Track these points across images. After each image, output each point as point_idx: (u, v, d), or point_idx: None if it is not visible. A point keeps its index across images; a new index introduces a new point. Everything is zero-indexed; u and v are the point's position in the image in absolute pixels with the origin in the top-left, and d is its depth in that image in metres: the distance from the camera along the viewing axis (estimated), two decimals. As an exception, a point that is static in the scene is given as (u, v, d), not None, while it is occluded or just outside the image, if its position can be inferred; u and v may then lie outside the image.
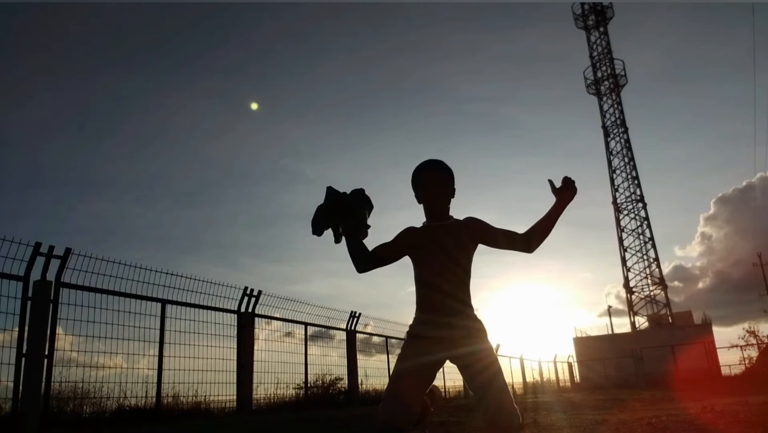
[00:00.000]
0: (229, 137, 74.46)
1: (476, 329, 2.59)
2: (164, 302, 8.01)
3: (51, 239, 6.77)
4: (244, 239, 79.56)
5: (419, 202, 2.67)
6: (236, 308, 9.40)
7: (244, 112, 73.15)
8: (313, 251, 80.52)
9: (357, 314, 12.71)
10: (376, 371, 13.57)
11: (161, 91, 73.55)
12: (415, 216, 2.67)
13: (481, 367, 2.46)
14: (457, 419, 5.54)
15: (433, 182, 2.62)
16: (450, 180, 2.67)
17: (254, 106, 65.03)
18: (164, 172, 71.27)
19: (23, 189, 64.46)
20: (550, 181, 2.60)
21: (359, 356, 12.76)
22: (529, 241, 2.58)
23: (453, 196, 2.69)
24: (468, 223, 2.64)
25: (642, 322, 43.78)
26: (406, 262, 2.65)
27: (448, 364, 2.59)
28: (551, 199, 2.59)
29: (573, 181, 2.57)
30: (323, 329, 12.05)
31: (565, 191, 2.57)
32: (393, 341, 14.44)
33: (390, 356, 14.15)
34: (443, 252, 2.57)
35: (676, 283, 75.40)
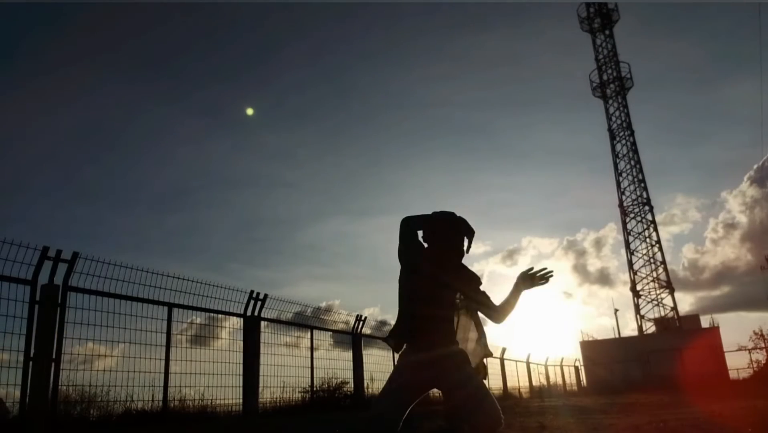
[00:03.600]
0: (205, 143, 74.43)
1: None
2: (171, 306, 8.03)
3: (58, 244, 6.80)
4: (227, 245, 79.51)
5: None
6: (242, 312, 9.42)
7: (226, 118, 73.20)
8: (299, 257, 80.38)
9: (363, 318, 12.73)
10: (381, 375, 13.55)
11: (158, 102, 73.88)
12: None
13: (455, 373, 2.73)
14: (451, 424, 5.50)
15: None
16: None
17: (249, 111, 65.14)
18: (140, 178, 71.24)
19: (31, 194, 64.86)
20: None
21: (365, 360, 12.75)
22: None
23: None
24: None
25: (649, 325, 43.59)
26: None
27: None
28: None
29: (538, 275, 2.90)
30: (328, 332, 12.06)
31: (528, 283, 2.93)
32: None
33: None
34: None
35: (683, 286, 75.04)
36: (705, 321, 40.33)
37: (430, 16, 77.15)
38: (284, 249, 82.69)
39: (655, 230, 44.85)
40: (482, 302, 2.96)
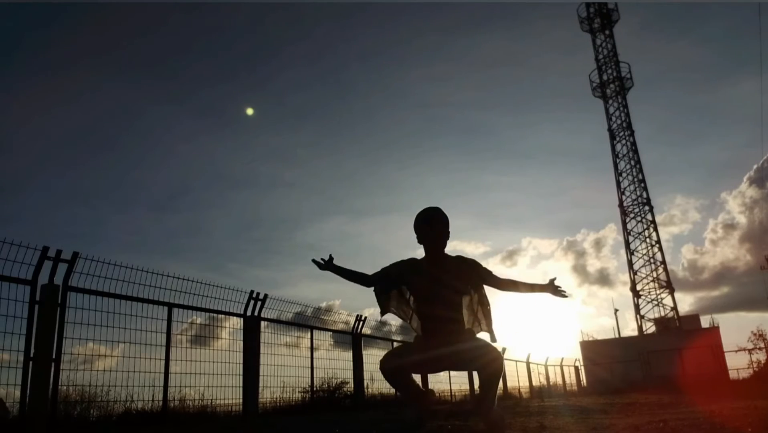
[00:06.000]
0: (205, 143, 74.41)
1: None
2: (171, 306, 8.03)
3: (58, 244, 6.81)
4: (227, 244, 79.53)
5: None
6: (242, 312, 9.42)
7: (226, 118, 73.13)
8: (299, 256, 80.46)
9: (363, 318, 12.73)
10: (381, 375, 13.50)
11: (153, 102, 73.78)
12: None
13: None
14: (452, 425, 5.50)
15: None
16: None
17: (249, 111, 65.16)
18: (140, 178, 71.22)
19: (31, 194, 64.86)
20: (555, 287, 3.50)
21: (365, 360, 12.74)
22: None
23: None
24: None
25: (649, 325, 43.59)
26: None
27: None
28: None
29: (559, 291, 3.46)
30: (328, 332, 12.05)
31: (550, 291, 3.47)
32: (396, 344, 14.42)
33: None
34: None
35: (682, 286, 75.01)
36: (705, 321, 40.42)
37: (429, 16, 77.26)
38: (284, 249, 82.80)
39: (655, 229, 44.89)
40: (492, 284, 3.44)
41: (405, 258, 3.47)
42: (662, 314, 43.40)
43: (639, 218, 45.49)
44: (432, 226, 3.31)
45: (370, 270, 3.54)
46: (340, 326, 12.42)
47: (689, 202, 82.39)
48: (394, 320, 17.76)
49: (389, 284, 3.44)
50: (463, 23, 79.13)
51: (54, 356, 6.24)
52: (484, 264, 3.62)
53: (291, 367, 10.40)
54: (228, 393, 8.76)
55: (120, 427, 7.03)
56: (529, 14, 78.51)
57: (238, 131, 75.91)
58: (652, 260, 44.69)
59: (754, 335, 35.21)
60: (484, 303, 3.46)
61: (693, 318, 41.29)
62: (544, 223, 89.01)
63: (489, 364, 3.27)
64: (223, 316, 9.15)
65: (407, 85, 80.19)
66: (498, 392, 3.43)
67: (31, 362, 5.98)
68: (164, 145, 74.17)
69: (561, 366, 31.24)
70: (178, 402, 8.08)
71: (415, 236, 3.39)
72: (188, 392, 8.26)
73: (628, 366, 34.77)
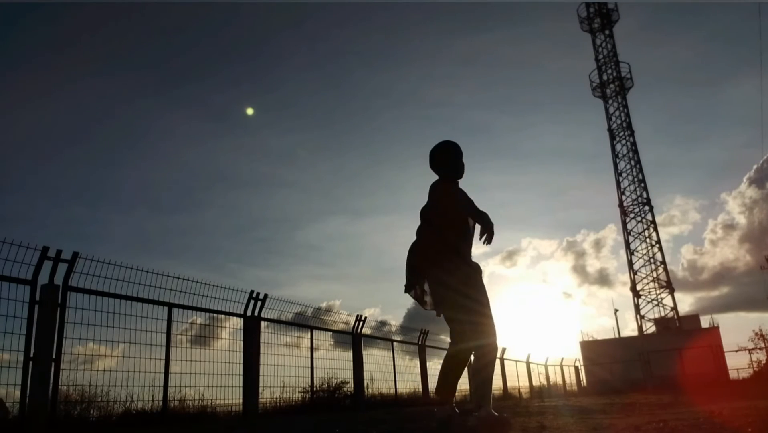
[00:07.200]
0: (206, 143, 74.48)
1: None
2: (171, 306, 8.02)
3: (58, 244, 6.81)
4: (227, 245, 79.63)
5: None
6: (242, 312, 9.42)
7: (227, 119, 73.21)
8: (300, 257, 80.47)
9: (363, 318, 12.73)
10: (381, 375, 13.54)
11: (160, 104, 73.79)
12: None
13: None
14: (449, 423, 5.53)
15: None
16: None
17: (249, 111, 65.20)
18: (141, 178, 71.24)
19: (31, 194, 64.86)
20: None
21: (365, 360, 12.73)
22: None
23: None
24: None
25: (649, 325, 43.59)
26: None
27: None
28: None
29: None
30: (328, 332, 12.05)
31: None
32: (396, 344, 14.42)
33: (396, 362, 14.12)
34: None
35: (682, 287, 74.99)
36: (705, 321, 40.41)
37: (430, 16, 77.28)
38: (284, 249, 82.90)
39: (655, 229, 44.89)
40: None
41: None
42: (662, 314, 43.41)
43: (639, 218, 45.51)
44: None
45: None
46: (340, 326, 12.42)
47: (689, 202, 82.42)
48: (394, 320, 17.81)
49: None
50: (464, 23, 79.19)
51: (54, 356, 6.24)
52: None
53: (291, 367, 10.39)
54: (228, 393, 8.76)
55: (120, 427, 7.03)
56: (529, 14, 78.58)
57: (239, 131, 76.00)
58: (652, 260, 44.72)
59: (756, 335, 35.20)
60: None
61: (693, 318, 41.28)
62: (544, 223, 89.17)
63: (484, 367, 3.77)
64: (223, 316, 9.15)
65: (408, 85, 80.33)
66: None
67: (31, 362, 5.98)
68: (164, 145, 74.27)
69: (561, 366, 31.22)
70: (178, 402, 8.07)
71: (430, 162, 4.14)
72: (188, 392, 8.26)
73: (628, 366, 34.75)
